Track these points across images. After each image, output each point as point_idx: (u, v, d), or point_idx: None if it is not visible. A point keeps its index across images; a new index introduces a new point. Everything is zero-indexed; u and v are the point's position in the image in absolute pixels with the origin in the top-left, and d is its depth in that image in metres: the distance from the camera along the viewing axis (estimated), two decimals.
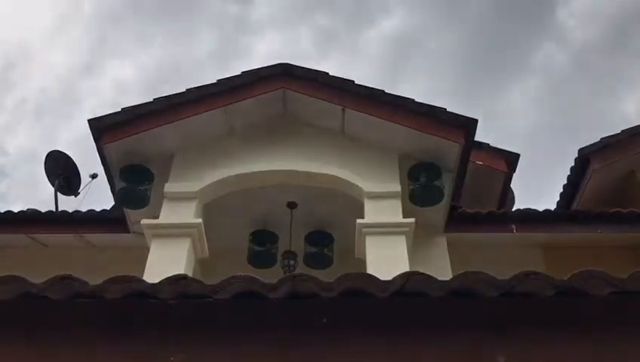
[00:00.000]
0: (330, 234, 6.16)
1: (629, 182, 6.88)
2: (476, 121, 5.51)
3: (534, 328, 2.44)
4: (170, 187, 5.58)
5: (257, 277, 2.34)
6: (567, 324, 2.47)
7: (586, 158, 6.85)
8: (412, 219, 5.38)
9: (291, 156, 5.80)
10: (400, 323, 2.46)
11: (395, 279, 2.39)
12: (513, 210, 7.20)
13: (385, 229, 5.37)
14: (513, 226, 6.08)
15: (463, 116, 5.56)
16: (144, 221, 5.43)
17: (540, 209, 6.34)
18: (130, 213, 5.87)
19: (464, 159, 5.64)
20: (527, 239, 6.17)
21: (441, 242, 5.98)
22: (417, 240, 5.53)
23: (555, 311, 2.49)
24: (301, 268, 5.86)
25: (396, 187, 5.57)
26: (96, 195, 8.21)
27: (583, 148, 6.82)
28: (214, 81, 5.77)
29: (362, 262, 5.21)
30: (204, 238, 5.50)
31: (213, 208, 5.77)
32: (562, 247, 6.09)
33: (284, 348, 2.36)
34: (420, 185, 5.69)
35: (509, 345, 2.38)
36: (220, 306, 2.40)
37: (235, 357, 2.31)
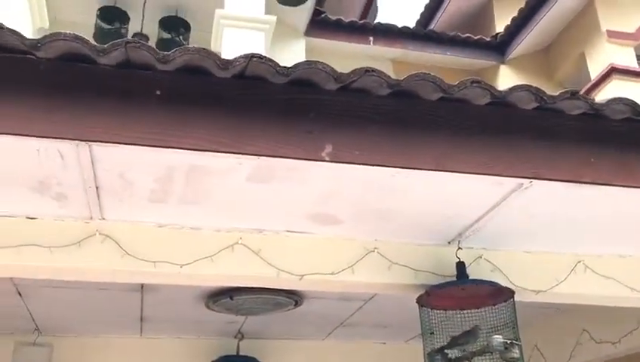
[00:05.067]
0: (186, 22, 5.85)
1: (486, 9, 7.11)
2: None
3: (365, 123, 2.55)
4: None
5: (85, 37, 2.14)
6: (396, 122, 2.61)
7: None
8: (274, 17, 5.25)
9: None
10: (241, 107, 2.45)
11: (237, 59, 2.32)
12: (375, 22, 7.26)
13: (244, 23, 5.21)
14: (371, 38, 6.19)
15: None
16: None
17: (400, 25, 6.47)
18: None
19: None
20: (381, 52, 6.35)
21: (300, 45, 5.98)
22: (276, 41, 5.47)
23: (389, 109, 2.61)
24: None
25: None
26: None
27: None
28: None
29: None
30: (44, 5, 4.98)
31: None
32: (412, 65, 6.35)
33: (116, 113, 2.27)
34: None
35: (339, 136, 2.49)
36: (42, 67, 2.20)
37: (52, 115, 2.18)
